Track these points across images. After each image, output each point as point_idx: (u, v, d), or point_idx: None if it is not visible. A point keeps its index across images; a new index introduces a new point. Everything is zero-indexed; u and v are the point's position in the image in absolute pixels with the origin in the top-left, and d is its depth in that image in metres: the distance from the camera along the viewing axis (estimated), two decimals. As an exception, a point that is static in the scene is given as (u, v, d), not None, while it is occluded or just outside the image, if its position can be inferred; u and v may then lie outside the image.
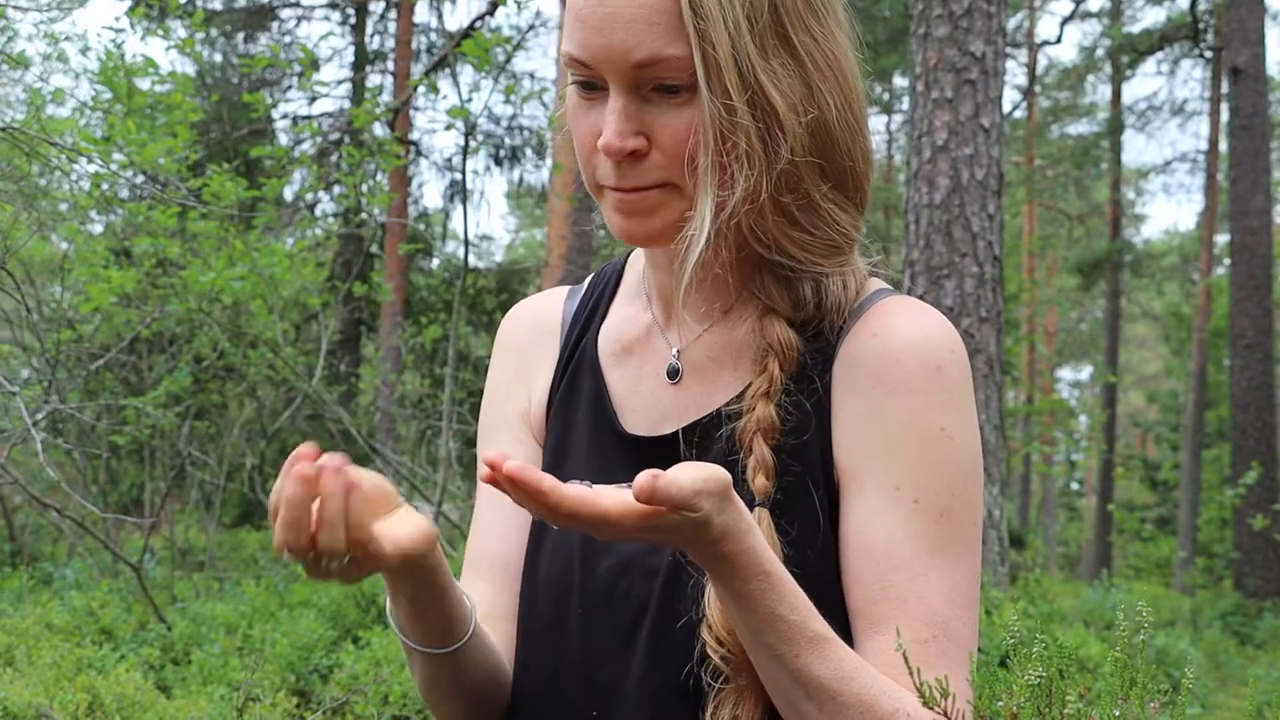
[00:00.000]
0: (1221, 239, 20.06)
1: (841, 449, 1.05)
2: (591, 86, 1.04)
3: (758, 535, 0.91)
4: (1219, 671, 8.39)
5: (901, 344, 1.05)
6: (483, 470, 0.81)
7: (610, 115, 1.01)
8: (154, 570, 6.75)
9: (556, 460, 1.18)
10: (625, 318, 1.20)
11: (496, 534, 1.21)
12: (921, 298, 5.84)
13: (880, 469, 1.03)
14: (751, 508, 1.03)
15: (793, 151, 1.00)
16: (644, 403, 1.14)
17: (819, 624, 0.94)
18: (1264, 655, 9.48)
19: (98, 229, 8.10)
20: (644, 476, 0.81)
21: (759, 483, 1.03)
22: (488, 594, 1.20)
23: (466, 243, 6.63)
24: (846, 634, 1.02)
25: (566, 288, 1.30)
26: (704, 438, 1.09)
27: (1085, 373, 36.97)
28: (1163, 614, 11.00)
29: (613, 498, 0.82)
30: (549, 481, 0.80)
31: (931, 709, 0.90)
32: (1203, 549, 15.14)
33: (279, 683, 4.40)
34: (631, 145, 1.01)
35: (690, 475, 0.84)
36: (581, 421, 1.17)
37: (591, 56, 1.01)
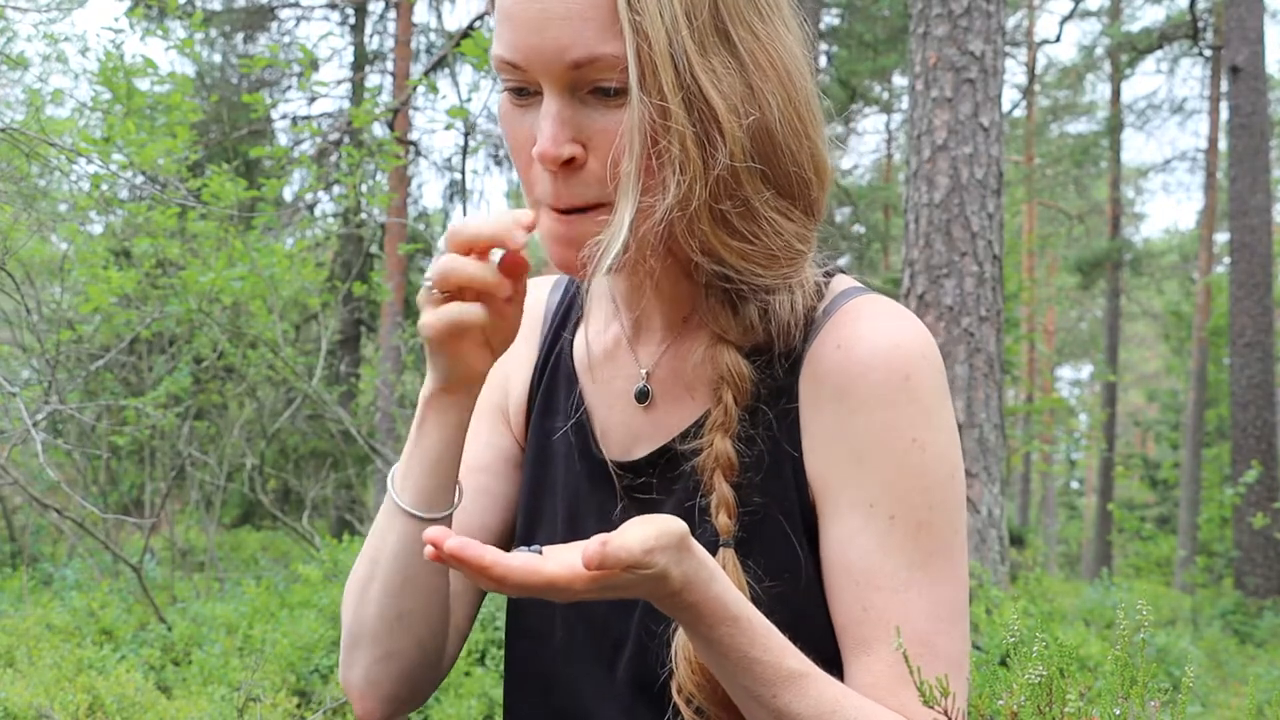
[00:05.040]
0: (1221, 237, 20.07)
1: (814, 469, 1.03)
2: (524, 92, 0.98)
3: (722, 581, 0.89)
4: (1219, 670, 8.38)
5: (866, 355, 1.01)
6: (427, 550, 0.81)
7: (544, 120, 0.95)
8: (154, 571, 6.75)
9: (536, 474, 1.17)
10: (597, 328, 1.17)
11: (476, 511, 1.18)
12: (921, 297, 5.85)
13: (853, 486, 1.00)
14: (717, 547, 1.01)
15: (731, 156, 0.95)
16: (617, 423, 1.12)
17: (795, 660, 0.92)
18: (1264, 654, 9.48)
19: (97, 229, 8.10)
20: (593, 544, 0.80)
21: (721, 521, 1.01)
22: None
23: (466, 242, 6.62)
24: (837, 655, 1.01)
25: (553, 277, 1.26)
26: (668, 470, 1.08)
27: (1085, 371, 36.96)
28: (1163, 613, 11.01)
29: (558, 562, 0.82)
30: (490, 555, 0.80)
31: (931, 708, 0.90)
32: (1203, 548, 15.13)
33: (279, 683, 4.40)
34: (568, 152, 0.96)
35: (641, 533, 0.82)
36: (560, 436, 1.16)
37: (524, 58, 0.95)
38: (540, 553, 0.84)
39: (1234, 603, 11.53)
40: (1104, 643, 5.57)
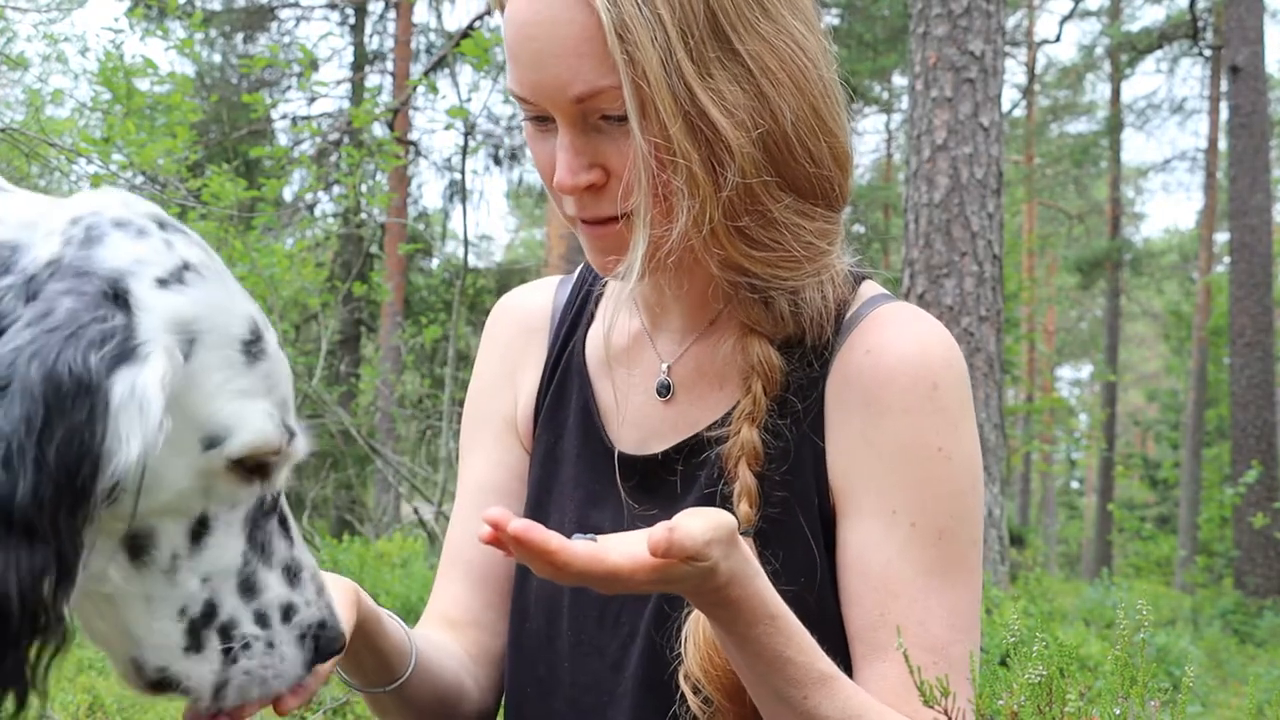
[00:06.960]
0: (1221, 237, 20.03)
1: (836, 470, 1.02)
2: (543, 119, 0.99)
3: (763, 578, 0.88)
4: (1219, 670, 8.38)
5: (895, 362, 1.01)
6: (483, 530, 0.78)
7: (560, 153, 0.97)
8: (154, 571, 6.73)
9: (546, 471, 1.15)
10: (615, 324, 1.16)
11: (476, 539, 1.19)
12: (921, 297, 5.85)
13: (876, 491, 1.00)
14: None
15: (743, 173, 0.94)
16: (633, 418, 1.11)
17: (825, 663, 0.91)
18: (1264, 653, 9.48)
19: (97, 229, 8.09)
20: (659, 530, 0.78)
21: (742, 510, 1.00)
22: (460, 597, 1.18)
23: (466, 242, 6.63)
24: (843, 657, 1.00)
25: (558, 277, 1.26)
26: (692, 459, 1.06)
27: (1085, 371, 36.94)
28: (1163, 612, 10.99)
29: (621, 552, 0.79)
30: (556, 540, 0.77)
31: (931, 707, 0.90)
32: (1203, 547, 15.12)
33: (279, 683, 4.40)
34: (585, 180, 0.97)
35: (702, 525, 0.81)
36: (570, 432, 1.14)
37: (530, 92, 0.96)
38: (595, 541, 0.82)
39: (1234, 603, 11.53)
40: (1104, 643, 5.57)
